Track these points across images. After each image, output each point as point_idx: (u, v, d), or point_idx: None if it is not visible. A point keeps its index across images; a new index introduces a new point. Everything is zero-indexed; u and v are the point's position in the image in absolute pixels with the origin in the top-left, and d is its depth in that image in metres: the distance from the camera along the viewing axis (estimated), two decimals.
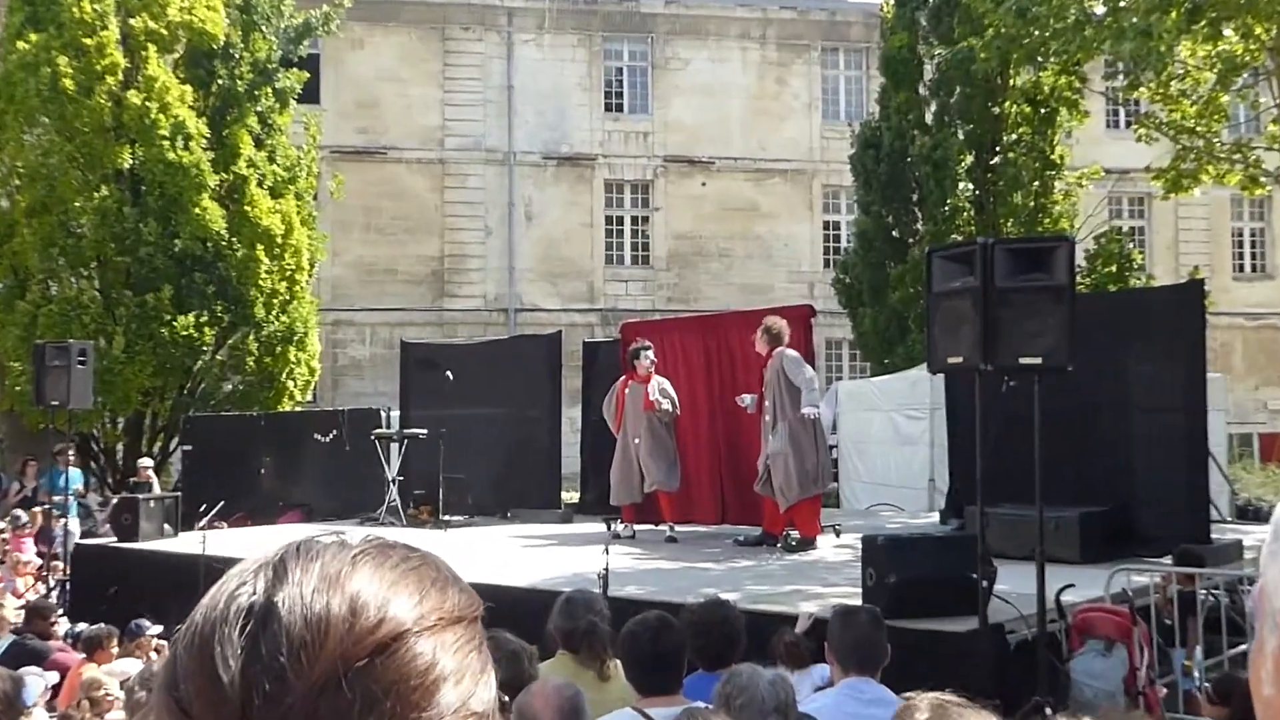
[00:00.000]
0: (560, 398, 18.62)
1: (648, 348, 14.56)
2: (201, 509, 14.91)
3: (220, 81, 22.72)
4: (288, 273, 22.24)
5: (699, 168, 35.72)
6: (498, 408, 18.24)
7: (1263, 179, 20.82)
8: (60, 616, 11.73)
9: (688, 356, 15.25)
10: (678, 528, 14.69)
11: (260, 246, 21.71)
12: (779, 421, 13.00)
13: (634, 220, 35.87)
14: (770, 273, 35.63)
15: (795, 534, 13.34)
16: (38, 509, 17.82)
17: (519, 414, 18.36)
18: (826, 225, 36.33)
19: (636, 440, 14.42)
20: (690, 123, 35.59)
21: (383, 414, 19.81)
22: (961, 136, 24.10)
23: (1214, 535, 12.93)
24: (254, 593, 1.13)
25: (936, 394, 17.07)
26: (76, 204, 21.11)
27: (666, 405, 14.50)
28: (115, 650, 9.56)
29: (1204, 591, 10.01)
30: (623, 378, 14.74)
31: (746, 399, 13.44)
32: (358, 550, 1.17)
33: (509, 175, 34.75)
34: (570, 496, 19.00)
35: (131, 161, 21.25)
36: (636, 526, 14.92)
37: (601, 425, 15.46)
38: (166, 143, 21.13)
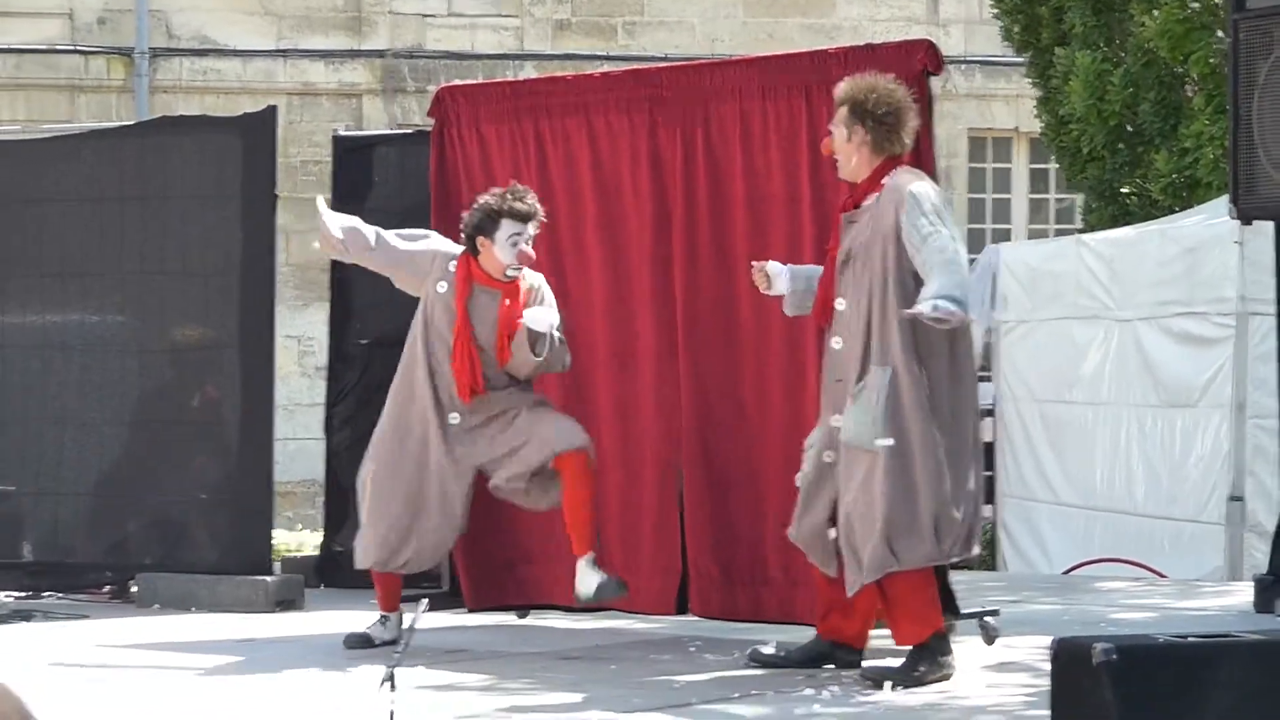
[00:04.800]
0: (272, 286, 8.60)
1: (526, 209, 6.56)
2: None
3: None
4: None
5: None
6: (104, 312, 8.84)
7: None
8: None
9: (609, 177, 7.12)
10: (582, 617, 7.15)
11: None
12: (871, 363, 5.78)
13: None
14: None
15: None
16: None
17: (160, 329, 8.79)
18: None
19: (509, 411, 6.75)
20: None
21: None
22: None
23: None
24: None
25: (1256, 277, 8.78)
26: None
27: (544, 328, 6.54)
28: None
29: None
30: (458, 255, 6.79)
31: (780, 274, 6.10)
32: None
33: None
34: (294, 543, 10.86)
35: None
36: (480, 615, 7.40)
37: (384, 362, 7.38)
38: None
